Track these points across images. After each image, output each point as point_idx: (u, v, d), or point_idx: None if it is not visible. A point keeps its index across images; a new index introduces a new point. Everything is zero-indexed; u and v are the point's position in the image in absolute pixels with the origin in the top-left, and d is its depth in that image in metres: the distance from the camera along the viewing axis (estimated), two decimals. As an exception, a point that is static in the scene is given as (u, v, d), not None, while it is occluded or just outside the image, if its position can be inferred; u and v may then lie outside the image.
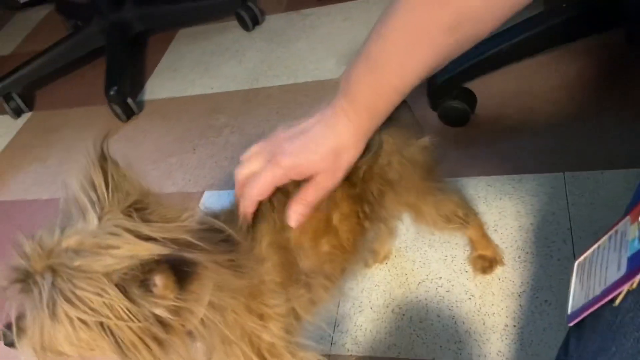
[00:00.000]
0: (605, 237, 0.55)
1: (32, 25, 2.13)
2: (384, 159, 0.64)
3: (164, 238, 0.49)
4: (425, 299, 0.89)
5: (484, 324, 0.83)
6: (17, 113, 1.66)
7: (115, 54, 1.59)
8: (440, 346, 0.82)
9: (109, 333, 0.45)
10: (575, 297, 0.55)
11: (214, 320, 0.52)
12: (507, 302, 0.84)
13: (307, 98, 1.36)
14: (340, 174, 0.59)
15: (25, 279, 0.46)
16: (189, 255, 0.49)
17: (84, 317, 0.44)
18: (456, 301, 0.87)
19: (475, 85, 1.16)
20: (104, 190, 0.51)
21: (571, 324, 0.53)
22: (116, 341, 0.45)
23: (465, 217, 0.79)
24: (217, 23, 1.74)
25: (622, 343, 0.46)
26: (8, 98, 1.63)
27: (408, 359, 0.82)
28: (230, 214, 0.60)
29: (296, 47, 1.54)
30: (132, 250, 0.46)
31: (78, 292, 0.44)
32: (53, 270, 0.46)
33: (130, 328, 0.45)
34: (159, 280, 0.46)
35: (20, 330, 0.48)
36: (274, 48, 1.57)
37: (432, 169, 0.71)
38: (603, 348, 0.48)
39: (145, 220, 0.50)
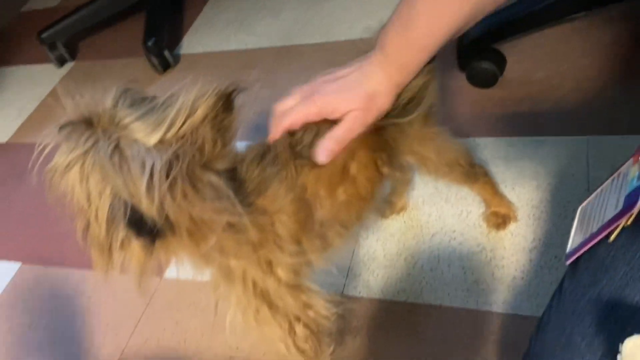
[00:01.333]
0: (609, 180, 0.56)
1: (78, -21, 2.19)
2: (397, 105, 0.66)
3: None
4: (438, 250, 0.92)
5: (492, 275, 0.85)
6: (61, 62, 1.73)
7: (155, 7, 1.63)
8: (449, 293, 0.85)
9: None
10: (575, 237, 0.57)
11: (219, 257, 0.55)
12: (518, 256, 0.86)
13: (339, 57, 1.37)
14: (370, 117, 0.61)
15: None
16: None
17: None
18: (467, 253, 0.89)
19: (506, 48, 1.15)
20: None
21: (568, 262, 0.55)
22: None
23: (469, 166, 0.80)
24: (255, -19, 1.76)
25: (612, 276, 0.48)
26: (52, 47, 1.70)
27: (416, 303, 0.86)
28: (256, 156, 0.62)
29: (330, 7, 1.55)
30: None
31: None
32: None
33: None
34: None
35: None
36: (308, 7, 1.58)
37: (428, 115, 0.73)
38: (594, 282, 0.50)
39: None
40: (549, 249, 0.85)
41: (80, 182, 0.47)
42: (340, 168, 0.64)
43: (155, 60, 1.52)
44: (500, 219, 0.90)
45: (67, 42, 1.75)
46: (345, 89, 0.61)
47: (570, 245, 0.57)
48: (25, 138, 1.52)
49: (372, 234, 0.98)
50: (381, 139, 0.67)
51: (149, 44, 1.50)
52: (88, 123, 0.47)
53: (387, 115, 0.64)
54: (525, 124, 1.05)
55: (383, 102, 0.61)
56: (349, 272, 0.93)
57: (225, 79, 1.56)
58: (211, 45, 1.61)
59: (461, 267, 0.88)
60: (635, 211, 0.48)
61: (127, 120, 0.47)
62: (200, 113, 0.48)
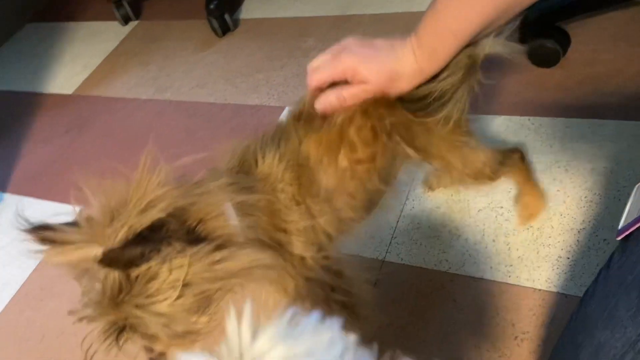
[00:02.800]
0: (671, 159, 0.55)
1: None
2: None
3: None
4: (483, 224, 0.92)
5: (537, 253, 0.85)
6: (126, 20, 1.79)
7: (217, -29, 1.66)
8: (491, 267, 0.86)
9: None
10: (629, 214, 0.56)
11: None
12: (565, 236, 0.85)
13: (396, 28, 1.37)
14: (389, 94, 0.63)
15: None
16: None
17: None
18: (513, 230, 0.89)
19: (571, 28, 1.12)
20: None
21: (619, 238, 0.55)
22: None
23: (494, 174, 0.78)
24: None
25: (663, 252, 0.48)
26: (118, 5, 1.76)
27: (457, 274, 0.87)
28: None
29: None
30: None
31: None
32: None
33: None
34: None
35: None
36: None
37: (459, 122, 0.71)
38: (644, 257, 0.50)
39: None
40: (599, 232, 0.84)
41: None
42: (339, 132, 0.64)
43: (215, 23, 1.56)
44: (530, 211, 0.88)
45: (133, 1, 1.81)
46: (372, 59, 0.61)
47: (623, 221, 0.56)
48: (88, 91, 1.59)
49: (417, 205, 0.98)
50: (389, 112, 0.66)
51: (211, 6, 1.53)
52: None
53: (411, 102, 0.64)
54: (585, 106, 1.02)
55: (402, 86, 0.62)
56: (392, 240, 0.95)
57: (281, 45, 1.58)
58: (269, 11, 1.63)
59: (506, 242, 0.88)
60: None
61: None
62: None
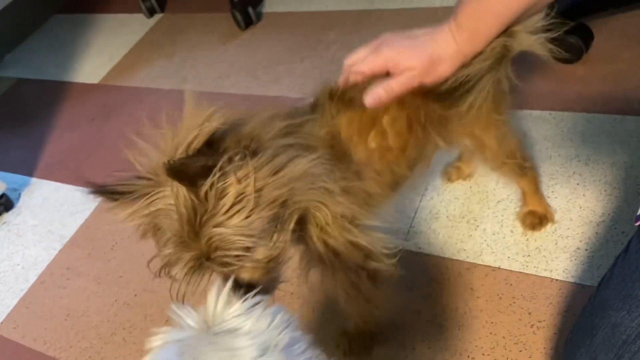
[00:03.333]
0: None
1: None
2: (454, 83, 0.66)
3: None
4: (502, 216, 0.93)
5: (556, 244, 0.86)
6: (151, 13, 1.82)
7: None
8: (509, 257, 0.87)
9: None
10: (649, 201, 0.57)
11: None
12: (584, 228, 0.86)
13: (418, 23, 1.37)
14: (428, 80, 0.63)
15: None
16: None
17: None
18: (532, 221, 0.90)
19: (595, 24, 1.12)
20: None
21: (637, 223, 0.56)
22: None
23: (523, 159, 0.80)
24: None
25: (682, 237, 0.49)
26: (144, -2, 1.80)
27: (475, 263, 0.88)
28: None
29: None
30: None
31: None
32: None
33: None
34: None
35: None
36: None
37: (500, 102, 0.72)
38: (663, 241, 0.50)
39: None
40: (617, 225, 0.84)
41: None
42: (371, 116, 0.66)
43: (239, 16, 1.58)
44: (537, 219, 0.88)
45: (158, -6, 1.84)
46: (412, 48, 0.62)
47: (641, 208, 0.57)
48: (114, 81, 1.62)
49: (436, 196, 1.00)
50: (423, 102, 0.67)
51: (234, 0, 1.56)
52: None
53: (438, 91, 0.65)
54: (606, 101, 1.02)
55: (445, 69, 0.62)
56: (410, 229, 0.96)
57: (303, 39, 1.60)
58: (293, 4, 1.65)
59: (524, 234, 0.89)
60: None
61: None
62: None
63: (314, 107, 0.66)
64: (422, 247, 0.93)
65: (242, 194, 0.53)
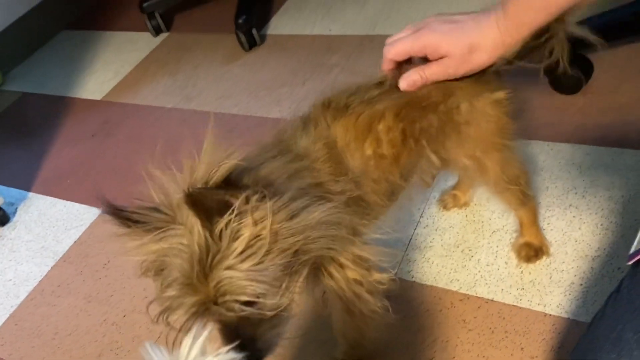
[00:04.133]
0: (685, 185, 0.55)
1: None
2: (453, 102, 0.67)
3: None
4: (497, 247, 0.91)
5: (550, 278, 0.84)
6: (157, 31, 1.84)
7: (248, -13, 1.71)
8: (502, 289, 0.85)
9: None
10: (641, 240, 0.56)
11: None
12: (579, 262, 0.85)
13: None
14: (465, 68, 0.63)
15: None
16: None
17: None
18: (527, 253, 0.89)
19: (595, 57, 1.12)
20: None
21: (630, 262, 0.55)
22: None
23: (527, 187, 0.79)
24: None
25: (674, 278, 0.48)
26: (151, 17, 1.82)
27: (468, 294, 0.86)
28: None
29: (421, 2, 1.56)
30: None
31: None
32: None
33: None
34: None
35: None
36: (396, 0, 1.60)
37: (503, 126, 0.72)
38: (654, 282, 0.49)
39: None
40: (613, 260, 0.83)
41: None
42: (368, 121, 0.65)
43: (243, 38, 1.59)
44: (532, 252, 0.87)
45: (165, 13, 1.86)
46: (452, 33, 0.62)
47: (635, 246, 0.56)
48: (117, 97, 1.63)
49: (432, 223, 0.99)
50: (420, 116, 0.67)
51: (239, 21, 1.57)
52: None
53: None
54: (606, 134, 1.02)
55: (483, 58, 0.62)
56: (404, 257, 0.95)
57: (305, 61, 1.61)
58: (297, 28, 1.66)
59: (519, 266, 0.87)
60: None
61: None
62: None
63: (307, 121, 0.66)
64: (415, 276, 0.92)
65: (257, 236, 0.52)
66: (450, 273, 0.90)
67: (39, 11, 1.99)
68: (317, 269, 0.63)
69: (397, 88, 0.66)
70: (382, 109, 0.65)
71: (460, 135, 0.71)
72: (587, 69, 1.09)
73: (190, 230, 0.51)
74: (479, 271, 0.89)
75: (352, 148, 0.66)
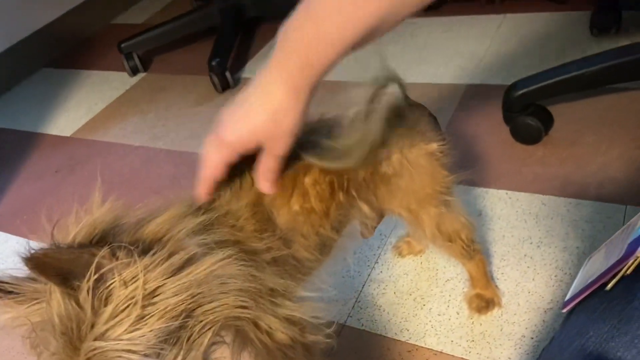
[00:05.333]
0: (618, 232, 0.54)
1: (166, 2, 2.36)
2: (383, 152, 0.64)
3: None
4: (450, 296, 0.89)
5: (501, 330, 0.81)
6: (134, 71, 1.85)
7: (225, 31, 1.73)
8: (452, 341, 0.82)
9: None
10: (576, 286, 0.54)
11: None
12: (531, 315, 0.82)
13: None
14: (287, 139, 0.55)
15: None
16: None
17: None
18: (479, 304, 0.86)
19: (557, 108, 1.13)
20: None
21: (564, 310, 0.52)
22: None
23: (469, 242, 0.76)
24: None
25: (600, 328, 0.45)
26: (129, 57, 1.83)
27: (417, 345, 0.83)
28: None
29: (389, 49, 1.58)
30: None
31: None
32: None
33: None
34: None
35: None
36: (369, 47, 1.62)
37: (438, 178, 0.69)
38: (582, 332, 0.47)
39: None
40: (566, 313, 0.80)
41: None
42: (293, 177, 0.62)
43: (216, 79, 1.60)
44: (483, 303, 0.84)
45: (144, 54, 1.88)
46: (247, 119, 0.54)
47: (570, 292, 0.54)
48: (86, 135, 1.62)
49: (386, 270, 0.96)
50: (347, 169, 0.64)
51: (213, 63, 1.59)
52: None
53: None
54: (564, 184, 1.01)
55: (288, 122, 0.54)
56: (355, 304, 0.92)
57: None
58: (271, 73, 1.67)
59: (470, 316, 0.84)
60: (637, 258, 0.45)
61: None
62: None
63: (235, 172, 0.64)
64: (364, 324, 0.88)
65: (130, 298, 0.45)
66: (400, 322, 0.87)
67: (18, 49, 2.00)
68: (245, 336, 0.59)
69: None
70: (307, 162, 0.62)
71: (390, 187, 0.68)
72: (546, 120, 1.09)
73: (49, 300, 0.45)
74: (430, 321, 0.86)
75: (278, 204, 0.62)
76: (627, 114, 1.12)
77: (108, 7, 2.30)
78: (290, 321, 0.61)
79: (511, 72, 1.32)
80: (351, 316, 0.90)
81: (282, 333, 0.60)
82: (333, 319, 0.87)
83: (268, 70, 0.53)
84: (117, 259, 0.46)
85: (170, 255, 0.48)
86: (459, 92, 1.33)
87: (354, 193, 0.66)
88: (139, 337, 0.45)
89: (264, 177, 0.58)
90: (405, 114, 0.69)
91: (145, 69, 1.88)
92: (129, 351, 0.45)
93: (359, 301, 0.92)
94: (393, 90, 0.65)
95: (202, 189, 0.58)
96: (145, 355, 0.46)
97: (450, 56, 1.49)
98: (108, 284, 0.45)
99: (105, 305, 0.45)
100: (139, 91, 1.79)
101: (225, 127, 0.55)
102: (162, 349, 0.47)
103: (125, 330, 0.45)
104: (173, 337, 0.47)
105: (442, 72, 1.44)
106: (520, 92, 1.08)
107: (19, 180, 1.49)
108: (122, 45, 1.82)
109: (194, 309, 0.48)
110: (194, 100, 1.65)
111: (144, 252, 0.47)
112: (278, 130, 0.54)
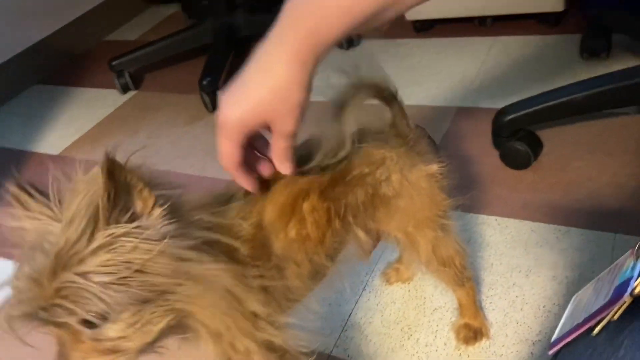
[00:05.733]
0: (606, 270, 0.53)
1: (159, 19, 2.37)
2: (383, 173, 0.64)
3: None
4: (437, 326, 0.87)
5: (488, 362, 0.80)
6: (125, 89, 1.84)
7: (217, 50, 1.73)
8: (438, 373, 0.80)
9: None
10: (563, 326, 0.53)
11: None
12: (519, 347, 0.80)
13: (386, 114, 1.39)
14: (295, 115, 0.53)
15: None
16: None
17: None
18: (467, 334, 0.84)
19: (546, 133, 1.13)
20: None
21: (550, 352, 0.51)
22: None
23: (462, 268, 0.75)
24: (315, 39, 1.83)
25: (584, 375, 0.44)
26: (120, 75, 1.82)
27: (402, 377, 0.81)
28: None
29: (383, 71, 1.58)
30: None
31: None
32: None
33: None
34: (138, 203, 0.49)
35: None
36: (362, 69, 1.62)
37: (437, 201, 0.69)
38: (567, 379, 0.45)
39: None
40: (554, 345, 0.79)
41: None
42: (292, 198, 0.61)
43: (207, 98, 1.60)
44: (471, 333, 0.83)
45: (135, 72, 1.87)
46: (246, 97, 0.51)
47: (556, 333, 0.53)
48: (74, 153, 1.61)
49: (373, 297, 0.94)
50: (344, 193, 0.63)
51: (204, 82, 1.58)
52: None
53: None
54: (553, 211, 1.00)
55: (293, 97, 0.51)
56: (342, 333, 0.90)
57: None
58: (262, 92, 1.67)
59: (457, 347, 0.83)
60: (624, 302, 0.44)
61: None
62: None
63: (244, 193, 0.62)
64: (351, 355, 0.87)
65: (127, 262, 0.47)
66: (387, 353, 0.85)
67: (10, 65, 1.99)
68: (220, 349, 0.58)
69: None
70: (306, 187, 0.62)
71: (389, 209, 0.67)
72: (535, 145, 1.09)
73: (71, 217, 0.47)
74: (417, 352, 0.84)
75: (276, 228, 0.61)
76: (617, 140, 1.12)
77: (101, 24, 2.29)
78: (269, 347, 0.60)
79: (502, 95, 1.32)
80: (337, 346, 0.88)
81: (259, 357, 0.59)
82: (317, 348, 0.85)
83: (268, 42, 0.51)
84: (150, 213, 0.48)
85: (190, 248, 0.50)
86: (450, 115, 1.33)
87: (350, 219, 0.65)
88: (114, 292, 0.46)
89: (279, 158, 0.56)
90: (406, 134, 0.69)
91: (137, 87, 1.87)
92: (99, 299, 0.46)
93: (346, 330, 0.90)
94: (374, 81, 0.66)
95: (237, 180, 0.57)
96: (110, 309, 0.47)
97: (442, 78, 1.49)
98: (124, 242, 0.47)
99: (106, 252, 0.46)
100: (129, 109, 1.78)
101: (226, 111, 0.53)
102: (125, 309, 0.48)
103: (107, 282, 0.46)
104: (140, 304, 0.49)
105: (433, 93, 1.44)
106: (509, 117, 1.08)
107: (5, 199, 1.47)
108: (113, 62, 1.81)
109: (171, 292, 0.50)
110: (184, 119, 1.64)
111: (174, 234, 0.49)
112: (283, 107, 0.51)
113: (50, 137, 1.72)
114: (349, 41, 1.71)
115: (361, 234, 0.67)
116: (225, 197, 0.61)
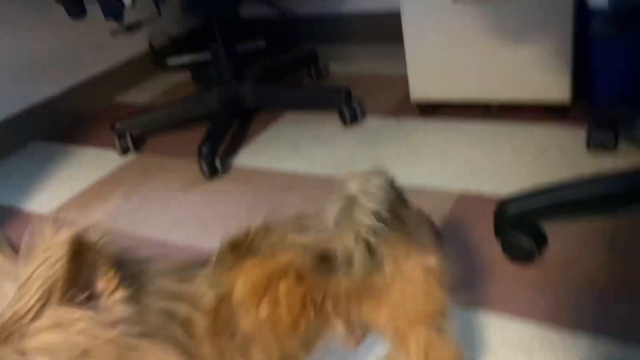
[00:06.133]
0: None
1: (170, 85, 2.40)
2: (374, 260, 0.59)
3: None
4: None
5: None
6: (125, 151, 1.83)
7: (221, 119, 1.73)
8: None
9: None
10: None
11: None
12: None
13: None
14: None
15: None
16: None
17: None
18: None
19: (553, 228, 1.07)
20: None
21: None
22: None
23: None
24: (320, 114, 1.83)
25: None
26: (121, 137, 1.81)
27: None
28: None
29: (386, 151, 1.56)
30: None
31: None
32: None
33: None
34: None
35: None
36: (364, 147, 1.60)
37: (433, 297, 0.64)
38: None
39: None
40: None
41: None
42: (268, 279, 0.57)
43: (204, 166, 1.57)
44: None
45: (137, 135, 1.86)
46: None
47: None
48: (64, 213, 1.56)
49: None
50: (324, 281, 0.59)
51: (203, 149, 1.56)
52: None
53: None
54: (558, 312, 0.93)
55: None
56: None
57: (264, 197, 1.55)
58: (262, 161, 1.65)
59: None
60: None
61: None
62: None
63: (216, 260, 0.57)
64: None
65: (73, 345, 0.45)
66: None
67: (11, 122, 2.00)
68: None
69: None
70: (285, 264, 0.57)
71: (378, 300, 0.62)
72: (540, 240, 1.03)
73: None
74: None
75: (246, 306, 0.56)
76: (627, 240, 1.06)
77: (111, 86, 2.32)
78: None
79: (505, 182, 1.29)
80: None
81: None
82: None
83: None
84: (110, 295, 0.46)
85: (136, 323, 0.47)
86: (451, 199, 1.29)
87: (329, 308, 0.59)
88: None
89: None
90: (404, 219, 0.63)
91: (137, 149, 1.85)
92: None
93: None
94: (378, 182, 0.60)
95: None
96: None
97: (445, 161, 1.46)
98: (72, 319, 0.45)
99: (51, 332, 0.45)
100: (126, 172, 1.75)
101: None
102: None
103: None
104: None
105: (435, 176, 1.40)
106: (513, 211, 1.03)
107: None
108: (116, 125, 1.81)
109: None
110: (180, 185, 1.61)
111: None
112: None
113: (42, 195, 1.69)
114: (352, 117, 1.71)
115: (340, 327, 0.62)
116: (199, 262, 0.57)
